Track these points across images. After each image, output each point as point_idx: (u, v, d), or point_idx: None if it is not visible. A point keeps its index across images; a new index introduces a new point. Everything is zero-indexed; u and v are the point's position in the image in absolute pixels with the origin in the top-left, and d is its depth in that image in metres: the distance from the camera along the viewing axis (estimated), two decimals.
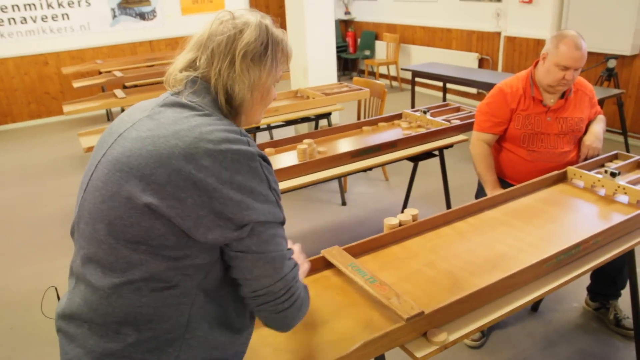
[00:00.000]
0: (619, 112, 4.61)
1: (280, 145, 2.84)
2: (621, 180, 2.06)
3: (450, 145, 2.92)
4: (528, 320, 2.57)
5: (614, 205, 2.01)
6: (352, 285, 1.56)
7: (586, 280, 2.56)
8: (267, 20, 1.13)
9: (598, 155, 2.45)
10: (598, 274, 2.47)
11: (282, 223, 1.09)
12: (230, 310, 1.09)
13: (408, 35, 7.72)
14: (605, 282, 2.46)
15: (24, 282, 3.19)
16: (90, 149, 3.20)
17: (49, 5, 6.58)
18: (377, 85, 4.18)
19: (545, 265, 1.56)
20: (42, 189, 4.65)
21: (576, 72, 2.32)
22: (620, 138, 4.83)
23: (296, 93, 4.19)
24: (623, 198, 2.03)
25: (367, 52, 8.51)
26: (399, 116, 3.30)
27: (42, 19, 6.58)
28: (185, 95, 1.08)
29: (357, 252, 1.70)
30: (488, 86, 4.76)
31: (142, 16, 7.24)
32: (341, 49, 8.48)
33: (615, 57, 4.71)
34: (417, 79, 5.76)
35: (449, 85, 6.11)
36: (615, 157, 2.42)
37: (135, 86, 5.14)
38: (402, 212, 1.87)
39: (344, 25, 8.98)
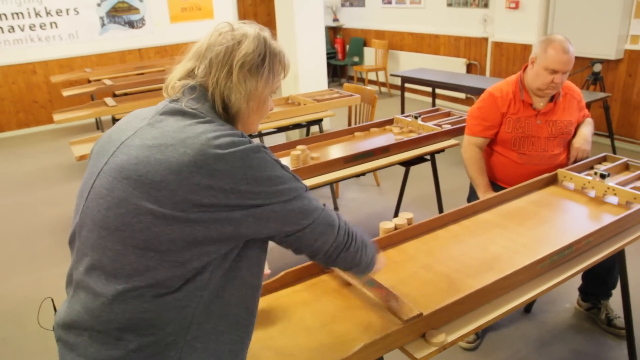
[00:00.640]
0: (605, 115, 4.69)
1: (274, 151, 2.86)
2: (610, 182, 2.09)
3: (441, 150, 2.95)
4: (521, 322, 2.60)
5: (604, 206, 2.05)
6: (350, 288, 1.57)
7: (577, 281, 2.59)
8: (266, 33, 1.16)
9: (587, 157, 2.49)
10: (589, 275, 2.51)
11: (306, 189, 1.14)
12: (232, 311, 1.10)
13: (396, 41, 7.78)
14: (597, 283, 2.50)
15: (14, 293, 3.16)
16: (82, 157, 3.19)
17: (37, 14, 6.55)
18: (367, 92, 4.21)
19: (540, 266, 1.58)
20: (31, 199, 4.62)
21: (564, 75, 2.37)
22: (607, 141, 4.90)
23: (287, 100, 4.21)
24: (613, 199, 2.07)
25: (356, 59, 8.56)
26: (390, 121, 3.33)
27: (30, 27, 6.55)
28: (185, 102, 1.09)
29: None
30: (476, 91, 4.81)
31: (130, 24, 7.24)
32: (330, 55, 8.51)
33: (601, 61, 4.79)
34: (406, 85, 5.81)
35: (437, 91, 6.16)
36: (604, 159, 2.46)
37: (126, 94, 5.13)
38: (395, 216, 1.89)
39: (332, 32, 9.04)
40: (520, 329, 2.55)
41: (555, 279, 1.60)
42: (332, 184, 3.66)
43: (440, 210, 3.28)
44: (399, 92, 6.08)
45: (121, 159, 1.04)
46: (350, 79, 8.79)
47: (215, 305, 1.07)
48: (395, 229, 1.83)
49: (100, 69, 6.59)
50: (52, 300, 1.35)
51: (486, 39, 6.31)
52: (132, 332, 1.01)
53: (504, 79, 2.63)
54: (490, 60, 6.26)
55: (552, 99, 2.49)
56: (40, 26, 6.61)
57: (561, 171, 2.27)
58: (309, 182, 2.48)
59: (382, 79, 8.06)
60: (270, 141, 5.12)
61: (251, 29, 1.14)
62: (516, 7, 5.70)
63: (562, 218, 2.00)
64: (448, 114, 3.44)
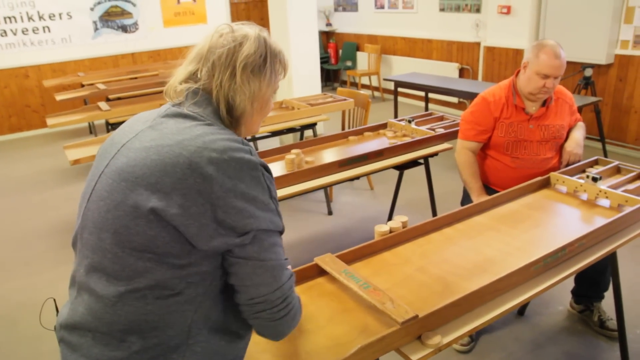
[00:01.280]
0: (597, 119, 4.73)
1: (268, 155, 2.87)
2: (602, 185, 2.12)
3: (435, 154, 2.97)
4: (515, 324, 2.62)
5: (596, 209, 2.07)
6: (346, 291, 1.58)
7: (570, 283, 2.62)
8: (265, 33, 1.17)
9: (579, 161, 2.52)
10: (582, 277, 2.53)
11: (281, 232, 1.11)
12: (231, 315, 1.11)
13: (389, 46, 7.82)
14: (589, 285, 2.52)
15: (9, 297, 3.14)
16: (77, 162, 3.19)
17: (30, 18, 6.53)
18: (361, 96, 4.23)
19: (533, 268, 1.60)
20: (24, 203, 4.60)
21: (556, 80, 2.39)
22: (599, 144, 4.95)
23: (281, 104, 4.22)
24: (604, 202, 2.09)
25: (349, 63, 8.59)
26: (384, 126, 3.34)
27: (23, 31, 6.52)
28: (187, 106, 1.10)
29: (349, 259, 1.73)
30: (469, 95, 4.85)
31: (124, 29, 7.23)
32: (323, 60, 8.55)
33: (592, 66, 4.84)
34: (399, 89, 5.84)
35: (430, 95, 6.20)
36: (595, 163, 2.49)
37: (119, 99, 5.12)
38: (389, 220, 1.91)
39: (325, 37, 9.07)
40: (514, 332, 2.57)
41: (549, 281, 1.62)
42: (326, 187, 3.67)
43: (434, 213, 3.30)
44: (392, 97, 6.12)
45: (121, 161, 1.05)
46: (344, 83, 8.82)
47: (214, 310, 1.08)
48: (391, 232, 1.85)
49: (94, 73, 6.57)
50: (54, 300, 1.36)
51: (478, 44, 6.36)
52: (135, 334, 1.02)
53: (496, 84, 2.65)
54: (482, 64, 6.31)
55: (544, 103, 2.51)
56: (33, 30, 6.59)
57: (554, 174, 2.30)
58: (303, 186, 2.49)
59: (375, 83, 8.09)
60: (264, 145, 5.11)
61: (251, 30, 1.14)
62: (508, 13, 5.75)
63: (555, 221, 2.02)
64: (441, 118, 3.46)
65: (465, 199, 2.69)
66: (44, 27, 6.65)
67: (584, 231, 1.76)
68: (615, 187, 2.15)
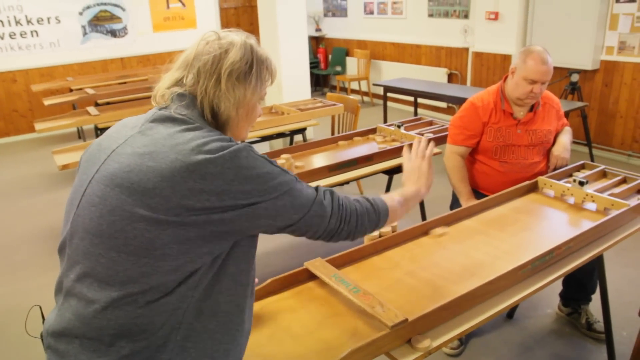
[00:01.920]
0: (583, 123, 4.79)
1: None
2: (589, 189, 2.14)
3: None
4: (504, 328, 2.64)
5: (583, 212, 2.10)
6: (336, 295, 1.59)
7: (558, 286, 2.64)
8: (252, 40, 1.17)
9: (566, 165, 2.55)
10: (570, 280, 2.55)
11: (296, 180, 1.16)
12: (222, 309, 1.10)
13: (378, 51, 7.86)
14: (577, 288, 2.55)
15: None
16: (65, 167, 3.17)
17: (18, 22, 6.49)
18: (350, 101, 4.24)
19: (522, 271, 1.62)
20: (12, 208, 4.56)
21: (543, 85, 2.42)
22: (585, 149, 5.00)
23: (271, 109, 4.23)
24: (591, 206, 2.12)
25: (339, 68, 8.62)
26: (373, 130, 3.36)
27: (10, 36, 6.48)
28: (174, 109, 1.10)
29: (339, 263, 1.74)
30: (458, 100, 4.88)
31: (113, 33, 7.21)
32: (312, 65, 8.57)
33: (578, 71, 4.90)
34: (388, 94, 5.87)
35: (419, 100, 6.24)
36: (582, 167, 2.52)
37: (108, 103, 5.11)
38: None
39: (315, 42, 9.10)
40: (503, 335, 2.59)
41: (537, 284, 1.64)
42: (318, 185, 3.67)
43: (423, 217, 3.31)
44: (381, 102, 6.14)
45: (113, 167, 1.05)
46: (333, 88, 8.84)
47: (205, 304, 1.07)
48: (380, 236, 1.86)
49: (82, 78, 6.54)
50: (40, 307, 1.35)
51: (467, 49, 6.41)
52: (124, 338, 1.02)
53: (484, 89, 2.68)
54: (470, 70, 6.36)
55: (532, 108, 2.54)
56: (21, 34, 6.55)
57: (541, 179, 2.32)
58: None
59: (364, 88, 8.12)
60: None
61: (238, 37, 1.15)
62: (496, 18, 5.81)
63: (543, 224, 2.04)
64: (430, 123, 3.48)
65: (455, 203, 2.71)
66: (32, 32, 6.62)
67: (571, 235, 1.78)
68: (602, 191, 2.18)
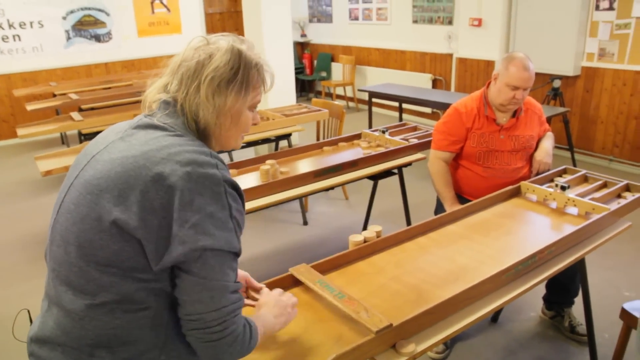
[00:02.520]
0: (565, 129, 4.85)
1: (243, 166, 2.87)
2: (571, 193, 2.17)
3: (409, 164, 3.00)
4: (489, 331, 2.65)
5: (565, 217, 2.12)
6: (321, 301, 1.59)
7: (542, 290, 2.67)
8: (243, 45, 1.13)
9: (549, 170, 2.58)
10: (552, 284, 2.58)
11: (237, 254, 1.06)
12: None
13: (363, 57, 7.90)
14: (560, 291, 2.58)
15: None
16: (49, 173, 3.14)
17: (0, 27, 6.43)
18: (335, 106, 4.26)
19: (505, 275, 1.63)
20: None
21: (525, 91, 2.45)
22: (567, 153, 5.07)
23: None
24: (573, 210, 2.15)
25: (324, 74, 8.64)
26: (358, 136, 3.37)
27: None
28: (158, 117, 1.10)
29: (324, 269, 1.74)
30: (442, 106, 4.92)
31: (97, 38, 7.16)
32: (298, 70, 8.58)
33: (560, 77, 4.97)
34: (373, 100, 5.89)
35: (404, 105, 6.27)
36: (564, 172, 2.55)
37: (92, 109, 5.06)
38: (364, 229, 1.92)
39: (300, 48, 9.11)
40: (487, 339, 2.60)
41: (520, 288, 1.65)
42: (301, 198, 3.68)
43: (408, 222, 3.33)
44: (366, 107, 6.17)
45: (89, 173, 1.04)
46: (318, 94, 8.86)
47: None
48: (365, 241, 1.86)
49: (66, 83, 6.48)
50: (28, 312, 1.33)
51: (451, 55, 6.47)
52: (104, 348, 1.01)
53: (468, 95, 2.71)
54: (455, 75, 6.41)
55: (515, 114, 2.57)
56: (3, 39, 6.48)
57: (524, 184, 2.35)
58: (278, 197, 2.50)
59: (349, 93, 8.15)
60: (239, 156, 5.11)
61: (225, 42, 1.12)
62: (479, 25, 5.87)
63: (526, 229, 2.06)
64: (415, 129, 3.51)
65: (439, 208, 2.73)
66: (14, 36, 6.55)
67: (553, 239, 1.81)
68: (583, 195, 2.21)
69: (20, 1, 6.47)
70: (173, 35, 7.68)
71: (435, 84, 6.80)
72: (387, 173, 2.98)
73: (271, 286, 1.64)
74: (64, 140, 6.59)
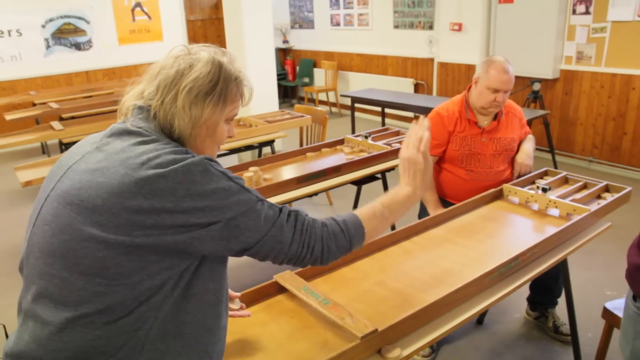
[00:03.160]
0: (546, 131, 4.91)
1: None
2: (552, 195, 2.20)
3: (392, 168, 3.01)
4: (474, 333, 2.67)
5: (546, 218, 2.14)
6: (306, 307, 1.58)
7: (525, 291, 2.69)
8: (224, 58, 1.13)
9: (530, 172, 2.61)
10: (536, 285, 2.60)
11: (259, 199, 1.10)
12: (189, 330, 1.07)
13: (345, 62, 7.93)
14: (543, 292, 2.60)
15: None
16: (29, 183, 3.09)
17: None
18: (318, 112, 4.26)
19: (488, 278, 1.64)
20: None
21: (506, 94, 2.48)
22: (548, 155, 5.12)
23: (239, 121, 4.21)
24: (554, 211, 2.17)
25: (306, 80, 8.66)
26: (341, 141, 3.38)
27: None
28: (131, 122, 1.09)
29: (308, 275, 1.74)
30: (424, 110, 4.95)
31: (77, 46, 7.09)
32: (280, 76, 8.59)
33: (539, 80, 5.03)
34: (356, 105, 5.92)
35: (387, 110, 6.30)
36: (545, 174, 2.58)
37: (73, 118, 5.01)
38: None
39: (282, 54, 9.12)
40: (473, 341, 2.61)
41: (504, 289, 1.66)
42: (285, 204, 3.67)
43: (392, 227, 3.33)
44: (349, 112, 6.19)
45: (66, 184, 1.03)
46: (301, 99, 8.87)
47: (170, 325, 1.05)
48: None
49: (46, 92, 6.41)
50: (4, 326, 1.31)
51: (432, 60, 6.52)
52: None
53: (450, 99, 2.73)
54: (436, 80, 6.47)
55: (496, 117, 2.60)
56: None
57: (506, 186, 2.37)
58: None
59: (332, 99, 8.17)
60: (222, 163, 5.06)
61: (206, 53, 1.11)
62: (459, 30, 5.93)
63: (508, 231, 2.08)
64: (397, 133, 3.52)
65: (423, 212, 2.74)
66: None
67: (535, 240, 1.82)
68: (564, 197, 2.23)
69: None
70: (154, 42, 7.64)
71: (417, 88, 6.84)
72: (370, 178, 2.99)
73: (255, 294, 1.64)
74: (44, 149, 6.50)
